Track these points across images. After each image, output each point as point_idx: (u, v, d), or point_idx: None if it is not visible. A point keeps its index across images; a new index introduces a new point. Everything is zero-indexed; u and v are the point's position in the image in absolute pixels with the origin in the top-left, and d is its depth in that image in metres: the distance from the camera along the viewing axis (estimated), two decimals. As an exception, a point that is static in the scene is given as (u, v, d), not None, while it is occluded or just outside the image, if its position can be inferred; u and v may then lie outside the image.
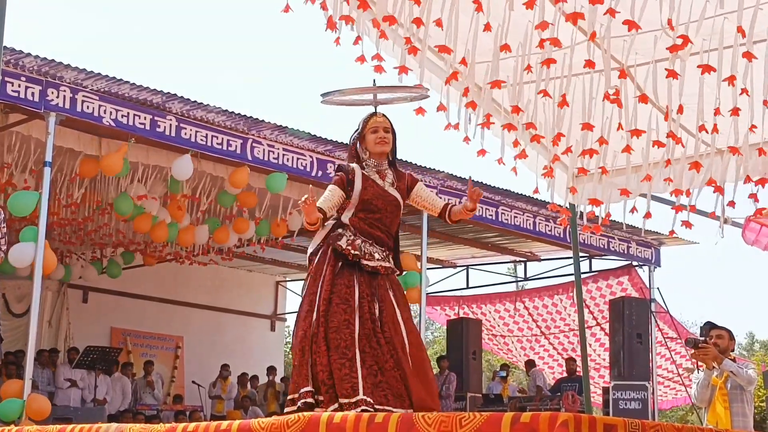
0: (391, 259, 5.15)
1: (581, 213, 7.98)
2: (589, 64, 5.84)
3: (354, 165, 5.19)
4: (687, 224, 7.17)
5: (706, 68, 5.66)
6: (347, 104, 5.49)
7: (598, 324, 16.96)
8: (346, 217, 5.10)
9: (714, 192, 6.99)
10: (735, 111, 6.05)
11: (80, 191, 12.16)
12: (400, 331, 4.97)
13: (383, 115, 5.26)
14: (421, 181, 5.38)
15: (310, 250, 5.15)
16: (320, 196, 5.08)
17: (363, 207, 5.09)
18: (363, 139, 5.21)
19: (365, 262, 4.99)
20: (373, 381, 4.76)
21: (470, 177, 5.49)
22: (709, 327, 6.89)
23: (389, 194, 5.16)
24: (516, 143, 6.94)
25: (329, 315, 4.85)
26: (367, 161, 5.20)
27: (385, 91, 5.47)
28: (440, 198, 5.49)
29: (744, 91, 5.88)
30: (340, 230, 5.07)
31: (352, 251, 4.97)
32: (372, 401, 4.67)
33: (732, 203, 7.13)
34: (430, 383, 5.00)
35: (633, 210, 7.28)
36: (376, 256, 5.05)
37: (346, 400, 4.65)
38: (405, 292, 5.26)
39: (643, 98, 6.07)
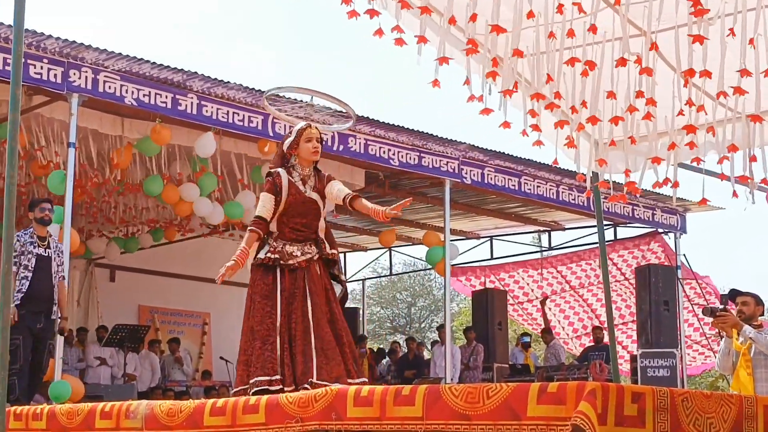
0: (313, 246, 5.79)
1: (612, 182, 7.86)
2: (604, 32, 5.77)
3: (281, 170, 5.77)
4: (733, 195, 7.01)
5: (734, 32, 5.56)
6: (283, 117, 6.39)
7: (629, 284, 16.74)
8: (273, 225, 5.75)
9: (750, 161, 6.87)
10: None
11: (113, 173, 12.14)
12: (308, 318, 5.62)
13: (317, 127, 5.90)
14: (337, 180, 6.00)
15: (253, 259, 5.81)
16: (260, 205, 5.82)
17: (286, 212, 5.72)
18: (296, 147, 5.78)
19: (284, 263, 5.67)
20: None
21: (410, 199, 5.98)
22: (733, 294, 6.87)
23: (309, 198, 5.79)
24: (534, 113, 6.82)
25: (254, 310, 5.79)
26: (294, 166, 5.81)
27: (320, 97, 6.50)
28: (346, 190, 5.91)
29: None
30: (268, 241, 5.76)
31: (272, 256, 5.67)
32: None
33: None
34: (337, 355, 5.60)
35: (666, 182, 7.13)
36: (296, 253, 5.70)
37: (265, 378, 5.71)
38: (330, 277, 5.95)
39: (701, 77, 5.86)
